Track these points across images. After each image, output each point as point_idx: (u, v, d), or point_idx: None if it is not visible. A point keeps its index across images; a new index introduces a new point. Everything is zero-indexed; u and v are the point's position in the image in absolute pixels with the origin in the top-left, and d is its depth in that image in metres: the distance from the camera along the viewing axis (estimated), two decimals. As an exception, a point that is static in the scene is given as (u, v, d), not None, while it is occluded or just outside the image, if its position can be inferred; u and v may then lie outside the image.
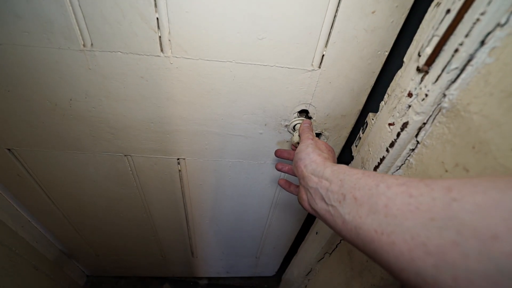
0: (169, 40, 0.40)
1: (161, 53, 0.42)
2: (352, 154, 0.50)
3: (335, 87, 0.46)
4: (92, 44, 0.41)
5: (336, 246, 0.57)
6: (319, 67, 0.43)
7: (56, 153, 0.58)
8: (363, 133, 0.46)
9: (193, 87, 0.47)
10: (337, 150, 0.59)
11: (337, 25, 0.38)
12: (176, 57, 0.42)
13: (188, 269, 1.11)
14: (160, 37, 0.40)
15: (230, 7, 0.37)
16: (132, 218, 0.79)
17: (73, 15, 0.38)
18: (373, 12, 0.37)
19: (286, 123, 0.53)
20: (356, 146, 0.48)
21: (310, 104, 0.49)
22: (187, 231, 0.87)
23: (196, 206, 0.76)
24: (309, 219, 0.83)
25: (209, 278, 1.21)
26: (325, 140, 0.56)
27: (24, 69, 0.44)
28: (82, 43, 0.41)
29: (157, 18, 0.38)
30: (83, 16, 0.38)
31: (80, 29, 0.39)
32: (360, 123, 0.51)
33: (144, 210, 0.76)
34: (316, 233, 0.66)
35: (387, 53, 0.42)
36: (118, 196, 0.70)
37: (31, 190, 0.65)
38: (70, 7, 0.37)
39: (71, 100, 0.48)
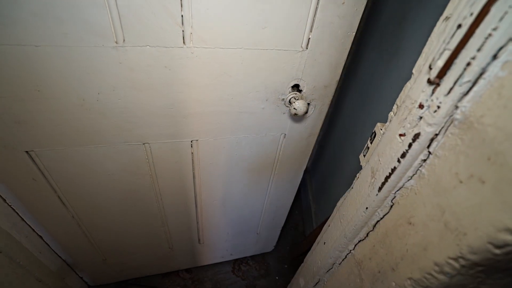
0: (191, 34, 0.50)
1: (184, 44, 0.51)
2: (361, 164, 0.50)
3: (318, 63, 0.60)
4: (124, 40, 0.48)
5: (346, 257, 0.56)
6: (307, 48, 0.57)
7: (75, 149, 0.62)
8: (371, 142, 0.46)
9: (209, 72, 0.56)
10: (322, 117, 0.73)
11: (319, 14, 0.52)
12: (196, 47, 0.52)
13: (195, 258, 1.18)
14: (183, 31, 0.49)
15: (240, 3, 0.48)
16: (144, 210, 0.85)
17: (109, 15, 0.44)
18: (343, 3, 0.52)
19: (283, 97, 0.65)
20: (364, 155, 0.49)
21: (300, 79, 0.62)
22: (196, 215, 0.94)
23: (205, 187, 0.84)
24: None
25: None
26: (313, 109, 0.70)
27: (56, 68, 0.48)
28: (115, 40, 0.47)
29: (182, 16, 0.47)
30: (119, 15, 0.45)
31: (114, 28, 0.46)
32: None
33: (156, 198, 0.82)
34: (324, 243, 0.65)
35: (353, 34, 0.57)
36: (132, 187, 0.76)
37: (45, 194, 0.67)
38: (108, 9, 0.43)
39: (99, 94, 0.54)
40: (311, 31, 0.54)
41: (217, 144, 0.72)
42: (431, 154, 0.31)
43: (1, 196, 0.64)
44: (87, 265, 0.99)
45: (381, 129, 0.43)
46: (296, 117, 0.71)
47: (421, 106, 0.31)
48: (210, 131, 0.68)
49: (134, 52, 0.49)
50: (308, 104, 0.67)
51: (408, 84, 0.36)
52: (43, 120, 0.55)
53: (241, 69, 0.57)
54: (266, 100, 0.65)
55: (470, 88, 0.26)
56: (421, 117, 0.31)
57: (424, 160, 0.32)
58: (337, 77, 0.65)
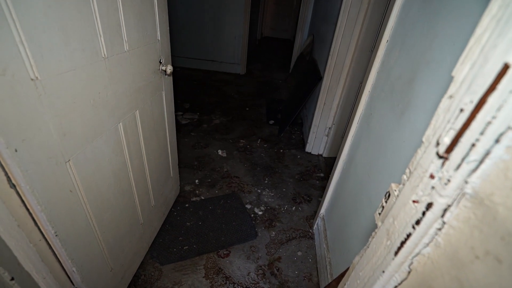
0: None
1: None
2: (376, 222, 0.50)
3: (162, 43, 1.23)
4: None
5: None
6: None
7: (93, 144, 0.79)
8: (385, 202, 0.46)
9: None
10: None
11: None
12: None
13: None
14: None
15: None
16: (129, 181, 1.06)
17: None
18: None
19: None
20: (379, 214, 0.49)
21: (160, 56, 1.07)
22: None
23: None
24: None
25: None
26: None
27: (83, 82, 0.74)
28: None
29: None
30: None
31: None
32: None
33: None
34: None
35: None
36: (116, 167, 0.94)
37: (76, 207, 0.76)
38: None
39: (99, 93, 0.79)
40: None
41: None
42: (446, 224, 0.32)
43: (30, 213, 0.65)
44: (99, 285, 0.97)
45: (395, 190, 0.44)
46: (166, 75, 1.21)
47: (432, 177, 0.32)
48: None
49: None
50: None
51: (419, 152, 0.38)
52: (76, 127, 0.70)
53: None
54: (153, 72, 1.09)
55: (478, 166, 0.27)
56: (433, 187, 0.32)
57: (439, 229, 0.33)
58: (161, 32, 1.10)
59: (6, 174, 0.55)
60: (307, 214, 1.73)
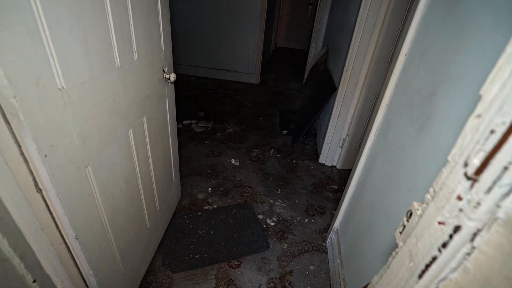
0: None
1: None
2: (396, 241, 0.48)
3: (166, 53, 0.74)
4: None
5: None
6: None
7: (107, 150, 0.82)
8: (407, 221, 0.45)
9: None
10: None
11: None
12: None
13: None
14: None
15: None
16: (137, 186, 1.08)
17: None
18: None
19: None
20: (400, 233, 0.47)
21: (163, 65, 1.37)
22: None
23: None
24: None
25: None
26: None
27: (97, 91, 0.78)
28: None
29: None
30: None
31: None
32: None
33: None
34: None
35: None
36: (126, 172, 0.96)
37: (93, 212, 0.79)
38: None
39: (113, 101, 0.82)
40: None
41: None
42: (475, 249, 0.30)
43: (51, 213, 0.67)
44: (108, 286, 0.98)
45: (417, 209, 0.42)
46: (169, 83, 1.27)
47: (459, 198, 0.31)
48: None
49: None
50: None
51: (444, 171, 0.36)
52: (94, 134, 0.73)
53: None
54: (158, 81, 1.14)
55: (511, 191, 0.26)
56: (460, 209, 0.31)
57: (468, 254, 0.31)
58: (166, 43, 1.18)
59: (34, 179, 0.58)
60: (320, 227, 1.70)
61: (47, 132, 0.57)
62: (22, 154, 0.54)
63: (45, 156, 0.57)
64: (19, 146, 0.53)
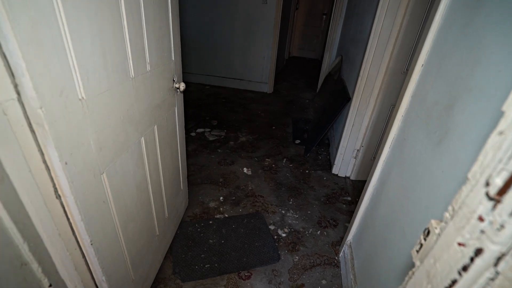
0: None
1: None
2: (413, 260, 0.46)
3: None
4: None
5: None
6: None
7: (121, 158, 0.85)
8: (424, 239, 0.43)
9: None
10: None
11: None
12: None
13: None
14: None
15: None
16: (148, 193, 1.10)
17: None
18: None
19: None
20: (417, 251, 0.45)
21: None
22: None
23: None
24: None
25: None
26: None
27: (114, 99, 0.82)
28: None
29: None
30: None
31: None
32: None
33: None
34: None
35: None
36: (138, 179, 0.98)
37: (108, 218, 0.81)
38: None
39: (127, 110, 0.86)
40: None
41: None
42: (500, 274, 0.29)
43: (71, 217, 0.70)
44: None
45: (435, 228, 0.41)
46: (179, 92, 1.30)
47: (481, 219, 0.30)
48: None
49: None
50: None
51: (464, 189, 0.35)
52: (109, 142, 0.75)
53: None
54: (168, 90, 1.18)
55: (538, 213, 0.25)
56: (482, 231, 0.29)
57: (492, 279, 0.29)
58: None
59: (54, 185, 0.60)
60: (333, 239, 1.65)
61: (68, 140, 0.60)
62: (45, 161, 0.57)
63: (66, 163, 0.59)
64: (42, 154, 0.56)
